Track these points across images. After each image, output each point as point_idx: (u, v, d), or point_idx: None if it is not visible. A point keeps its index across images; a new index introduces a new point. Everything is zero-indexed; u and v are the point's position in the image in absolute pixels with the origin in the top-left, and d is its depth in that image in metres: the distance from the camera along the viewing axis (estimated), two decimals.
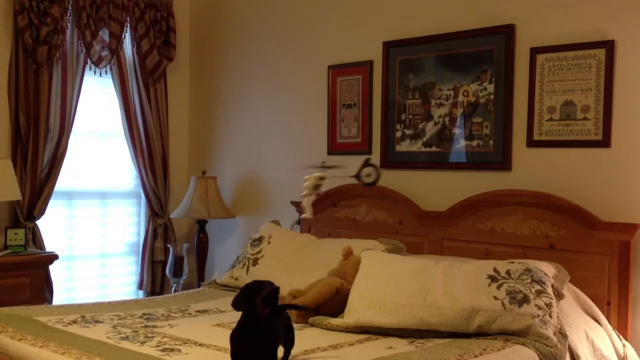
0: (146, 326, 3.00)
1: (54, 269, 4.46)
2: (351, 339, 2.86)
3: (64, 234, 4.79)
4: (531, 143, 3.57)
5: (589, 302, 3.18)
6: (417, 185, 4.01)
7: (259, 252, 3.93)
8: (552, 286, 2.94)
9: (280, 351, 2.45)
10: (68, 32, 4.56)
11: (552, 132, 3.49)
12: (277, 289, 2.39)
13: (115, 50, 4.77)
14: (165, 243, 5.08)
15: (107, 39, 4.73)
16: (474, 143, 3.79)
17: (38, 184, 4.44)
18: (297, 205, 4.56)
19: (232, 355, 2.32)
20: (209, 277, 4.62)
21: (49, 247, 4.53)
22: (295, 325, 3.06)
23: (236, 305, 2.36)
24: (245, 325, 2.32)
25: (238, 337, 2.32)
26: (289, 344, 2.51)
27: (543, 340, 2.74)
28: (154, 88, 5.03)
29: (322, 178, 3.52)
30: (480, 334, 2.85)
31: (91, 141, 4.92)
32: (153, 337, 2.79)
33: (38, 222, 4.49)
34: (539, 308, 2.81)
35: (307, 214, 3.58)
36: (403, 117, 4.08)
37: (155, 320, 3.13)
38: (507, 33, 3.64)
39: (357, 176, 3.54)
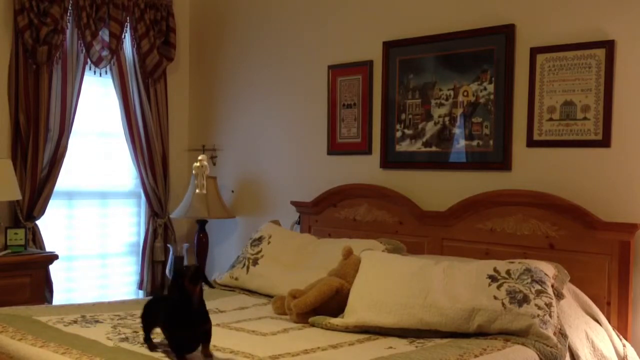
0: None
1: (54, 269, 4.46)
2: (351, 339, 2.86)
3: (64, 234, 4.79)
4: (531, 143, 3.57)
5: (589, 302, 3.18)
6: (417, 185, 4.01)
7: (259, 252, 3.93)
8: (552, 286, 2.94)
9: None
10: (68, 32, 4.56)
11: (552, 132, 3.49)
12: (199, 267, 2.53)
13: (115, 50, 4.77)
14: (165, 243, 5.08)
15: (107, 39, 4.73)
16: (474, 143, 3.79)
17: (38, 184, 4.44)
18: (297, 205, 4.57)
19: (175, 344, 2.40)
20: (209, 277, 4.62)
21: (49, 247, 4.53)
22: (295, 325, 3.09)
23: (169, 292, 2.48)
24: (180, 310, 2.42)
25: (176, 325, 2.41)
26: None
27: (543, 340, 2.74)
28: (154, 88, 5.03)
29: (206, 159, 4.21)
30: (480, 334, 2.85)
31: (91, 141, 4.92)
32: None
33: (38, 222, 4.49)
34: (539, 308, 2.81)
35: (199, 189, 4.19)
36: (403, 117, 4.08)
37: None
38: (507, 33, 3.64)
39: None
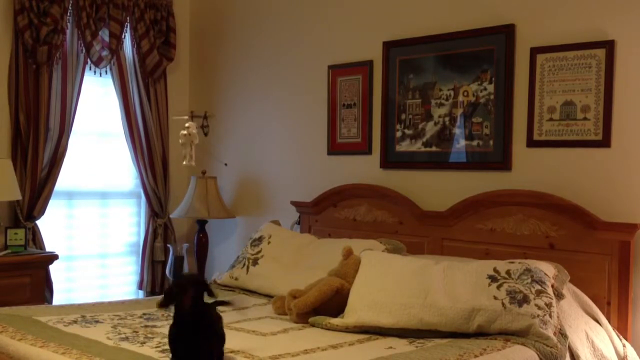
0: (146, 326, 3.01)
1: (54, 269, 4.46)
2: (351, 339, 2.86)
3: (64, 234, 4.79)
4: (531, 143, 3.57)
5: (589, 302, 3.18)
6: (417, 185, 4.01)
7: (259, 252, 3.93)
8: (552, 286, 2.94)
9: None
10: (68, 32, 4.56)
11: (552, 132, 3.49)
12: (188, 276, 2.33)
13: (115, 50, 4.77)
14: (165, 243, 5.08)
15: (107, 39, 4.73)
16: (474, 143, 3.79)
17: (38, 184, 4.44)
18: (297, 205, 4.57)
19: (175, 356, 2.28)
20: (209, 277, 4.63)
21: (49, 247, 4.53)
22: (295, 325, 3.09)
23: (160, 304, 2.31)
24: (176, 323, 2.29)
25: (174, 336, 2.28)
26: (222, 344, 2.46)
27: (543, 340, 2.74)
28: (154, 88, 5.03)
29: (194, 126, 4.19)
30: (480, 334, 2.85)
31: (91, 141, 4.92)
32: (153, 337, 2.79)
33: (38, 222, 4.49)
34: (539, 308, 2.81)
35: (186, 160, 4.17)
36: (403, 117, 4.08)
37: (155, 320, 3.13)
38: (507, 33, 3.64)
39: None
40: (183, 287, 2.28)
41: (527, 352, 2.69)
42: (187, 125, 4.23)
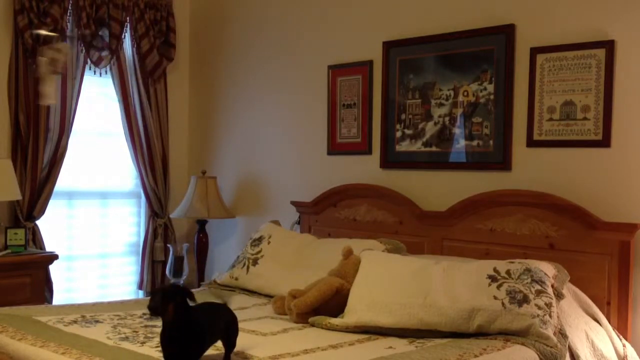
0: (146, 326, 3.01)
1: (54, 269, 4.46)
2: (351, 339, 2.86)
3: (64, 234, 4.79)
4: (531, 143, 3.57)
5: (589, 302, 3.18)
6: (417, 185, 4.01)
7: (259, 252, 3.93)
8: (552, 286, 2.94)
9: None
10: (68, 32, 4.56)
11: (552, 132, 3.49)
12: (172, 287, 2.34)
13: (115, 50, 4.77)
14: (165, 243, 5.08)
15: (107, 39, 4.73)
16: (474, 143, 3.79)
17: (38, 184, 4.44)
18: (297, 205, 4.57)
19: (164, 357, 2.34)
20: (209, 277, 4.63)
21: (49, 247, 4.53)
22: (295, 325, 3.09)
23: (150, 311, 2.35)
24: (163, 326, 2.33)
25: (162, 338, 2.33)
26: (229, 344, 2.50)
27: (543, 340, 2.74)
28: (154, 88, 5.03)
29: (59, 50, 3.46)
30: (480, 334, 2.85)
31: (91, 141, 4.92)
32: (153, 337, 2.79)
33: (38, 222, 4.49)
34: (539, 308, 2.81)
35: (51, 99, 3.53)
36: (403, 117, 4.08)
37: (155, 320, 3.13)
38: (507, 33, 3.64)
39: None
40: (166, 300, 2.28)
41: (527, 352, 2.69)
42: (56, 46, 3.52)
